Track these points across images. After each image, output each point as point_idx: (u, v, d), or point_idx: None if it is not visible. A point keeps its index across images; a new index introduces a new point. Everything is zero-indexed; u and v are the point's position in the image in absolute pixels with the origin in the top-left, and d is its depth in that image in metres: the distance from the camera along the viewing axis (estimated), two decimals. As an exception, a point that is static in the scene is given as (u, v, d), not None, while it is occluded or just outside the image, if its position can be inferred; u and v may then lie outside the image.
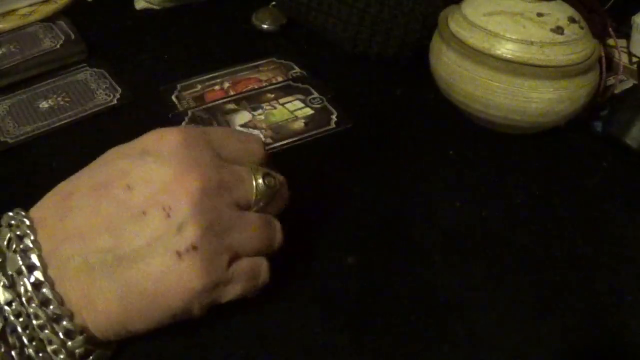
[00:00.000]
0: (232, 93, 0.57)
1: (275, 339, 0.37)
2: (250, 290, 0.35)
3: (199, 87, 0.58)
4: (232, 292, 0.34)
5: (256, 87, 0.58)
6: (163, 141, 0.33)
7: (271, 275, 0.37)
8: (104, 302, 0.31)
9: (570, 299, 0.40)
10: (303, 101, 0.56)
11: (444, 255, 0.43)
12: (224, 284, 0.33)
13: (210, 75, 0.59)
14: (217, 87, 0.58)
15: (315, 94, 0.57)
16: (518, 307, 0.39)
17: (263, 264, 0.36)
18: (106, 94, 0.56)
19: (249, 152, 0.37)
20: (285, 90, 0.58)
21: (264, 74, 0.60)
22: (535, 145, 0.53)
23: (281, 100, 0.56)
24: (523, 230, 0.45)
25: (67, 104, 0.55)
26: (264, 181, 0.35)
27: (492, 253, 0.43)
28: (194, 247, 0.31)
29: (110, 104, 0.55)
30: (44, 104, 0.55)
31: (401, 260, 0.42)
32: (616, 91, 0.57)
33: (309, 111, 0.55)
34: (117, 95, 0.56)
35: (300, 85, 0.58)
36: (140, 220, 0.31)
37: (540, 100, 0.49)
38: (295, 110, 0.55)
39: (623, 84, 0.59)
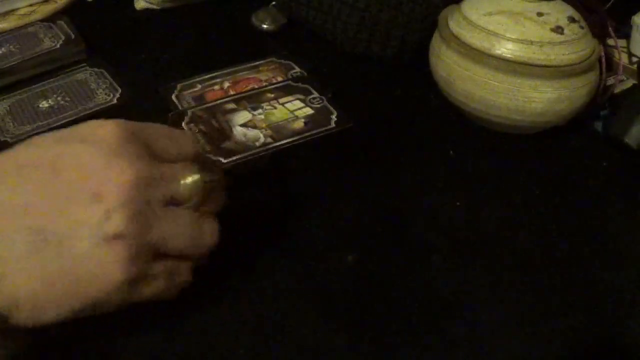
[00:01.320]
0: (232, 93, 0.57)
1: (275, 338, 0.37)
2: (169, 291, 0.35)
3: (199, 86, 0.58)
4: (151, 289, 0.33)
5: (256, 87, 0.58)
6: (100, 130, 0.33)
7: (192, 279, 0.36)
8: (26, 280, 0.30)
9: (570, 299, 0.40)
10: (303, 101, 0.56)
11: (444, 255, 0.43)
12: (145, 279, 0.33)
13: (210, 75, 0.59)
14: (217, 87, 0.58)
15: (315, 94, 0.57)
16: (518, 307, 0.39)
17: (185, 266, 0.35)
18: (106, 94, 0.56)
19: (181, 148, 0.36)
20: (285, 90, 0.57)
21: (264, 73, 0.60)
22: (535, 145, 0.53)
23: (281, 100, 0.56)
24: (523, 230, 0.45)
25: (67, 104, 0.55)
26: (195, 179, 0.35)
27: (492, 253, 0.43)
28: (121, 235, 0.31)
29: (110, 104, 0.55)
30: (44, 104, 0.55)
31: (401, 260, 0.42)
32: (616, 91, 0.57)
33: (309, 111, 0.55)
34: (117, 95, 0.56)
35: (300, 85, 0.58)
36: (69, 204, 0.31)
37: (540, 100, 0.49)
38: (295, 110, 0.55)
39: (623, 84, 0.59)
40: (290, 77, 0.60)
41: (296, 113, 0.55)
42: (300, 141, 0.52)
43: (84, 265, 0.31)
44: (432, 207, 0.46)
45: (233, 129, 0.52)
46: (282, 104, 0.56)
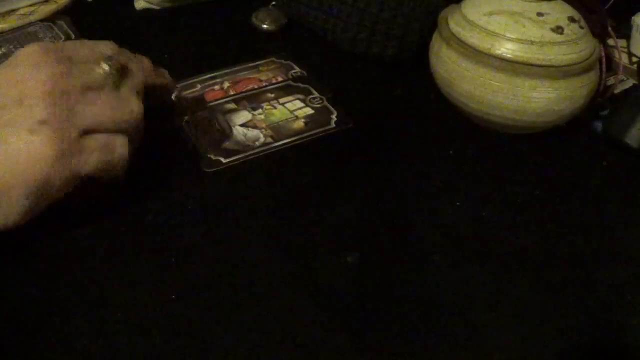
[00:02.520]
0: (232, 93, 0.57)
1: (275, 337, 0.37)
2: (106, 164, 0.40)
3: (199, 87, 0.58)
4: (88, 163, 0.38)
5: (256, 87, 0.58)
6: (20, 52, 0.39)
7: (130, 154, 0.41)
8: None
9: (570, 299, 0.40)
10: (303, 101, 0.56)
11: (444, 255, 0.43)
12: (77, 153, 0.38)
13: (210, 75, 0.59)
14: (217, 87, 0.58)
15: (315, 94, 0.57)
16: (518, 307, 0.39)
17: (118, 139, 0.40)
18: (106, 94, 0.56)
19: (99, 51, 0.42)
20: (285, 90, 0.58)
21: (264, 74, 0.60)
22: (535, 145, 0.53)
23: (281, 100, 0.56)
24: (523, 230, 0.45)
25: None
26: (107, 63, 0.41)
27: (492, 253, 0.43)
28: (43, 121, 0.36)
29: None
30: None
31: (401, 260, 0.42)
32: (616, 91, 0.57)
33: (309, 111, 0.55)
34: (117, 95, 0.56)
35: (300, 85, 0.58)
36: (1, 111, 0.37)
37: (540, 100, 0.49)
38: (295, 109, 0.55)
39: (623, 84, 0.59)
40: (290, 77, 0.60)
41: (296, 113, 0.55)
42: (300, 141, 0.52)
43: (20, 155, 0.36)
44: (432, 207, 0.46)
45: (233, 129, 0.53)
46: (282, 104, 0.56)
